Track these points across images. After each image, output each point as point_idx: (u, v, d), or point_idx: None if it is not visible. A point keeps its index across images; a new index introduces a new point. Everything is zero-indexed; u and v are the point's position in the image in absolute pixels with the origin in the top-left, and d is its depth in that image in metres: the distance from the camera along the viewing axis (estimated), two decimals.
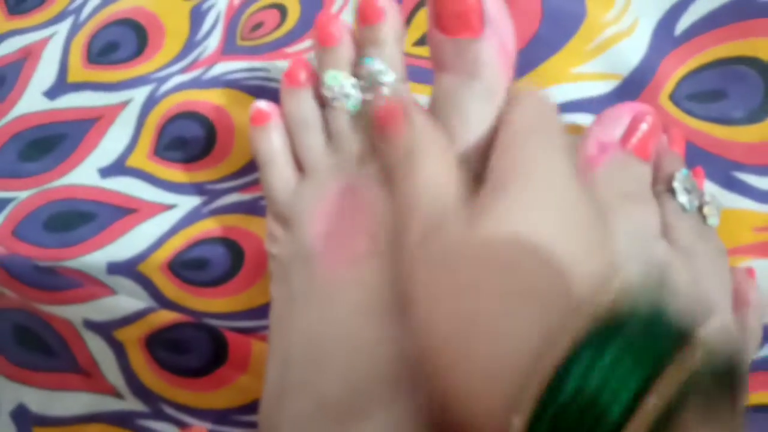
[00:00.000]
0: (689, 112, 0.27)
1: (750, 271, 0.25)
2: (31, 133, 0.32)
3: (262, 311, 0.28)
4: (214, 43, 0.33)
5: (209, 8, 0.33)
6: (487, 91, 0.21)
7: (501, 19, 0.21)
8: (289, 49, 0.31)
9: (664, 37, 0.29)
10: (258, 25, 0.32)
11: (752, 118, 0.26)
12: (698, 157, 0.27)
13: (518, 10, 0.29)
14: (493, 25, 0.21)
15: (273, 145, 0.25)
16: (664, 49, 0.28)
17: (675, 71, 0.28)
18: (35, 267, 0.28)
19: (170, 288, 0.29)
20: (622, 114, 0.25)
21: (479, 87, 0.21)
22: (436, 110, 0.22)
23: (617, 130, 0.24)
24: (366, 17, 0.23)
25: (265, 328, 0.28)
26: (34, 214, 0.31)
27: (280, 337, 0.24)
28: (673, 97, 0.27)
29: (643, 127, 0.24)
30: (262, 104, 0.26)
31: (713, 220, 0.25)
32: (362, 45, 0.24)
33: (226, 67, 0.31)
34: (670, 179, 0.24)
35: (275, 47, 0.31)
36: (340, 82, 0.24)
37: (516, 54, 0.22)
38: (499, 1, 0.21)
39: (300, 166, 0.25)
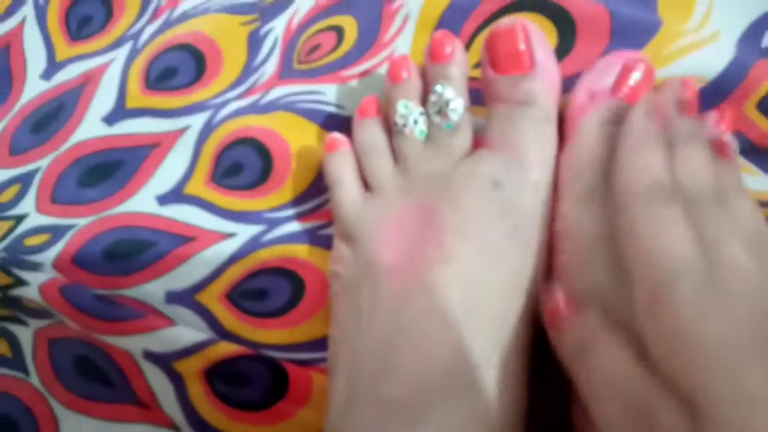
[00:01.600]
0: None
1: None
2: (90, 159, 0.32)
3: (322, 343, 0.27)
4: (271, 67, 0.32)
5: (267, 33, 0.33)
6: (543, 115, 0.24)
7: (546, 53, 0.25)
8: (345, 72, 0.30)
9: (751, 48, 0.27)
10: (315, 48, 0.31)
11: None
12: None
13: (586, 31, 0.28)
14: (540, 60, 0.24)
15: (343, 167, 0.27)
16: (752, 57, 0.26)
17: (766, 78, 0.26)
18: (95, 296, 0.28)
19: (229, 318, 0.28)
20: (615, 62, 0.25)
21: (536, 112, 0.24)
22: (494, 136, 0.25)
23: (608, 78, 0.25)
24: (436, 56, 0.26)
25: (326, 360, 0.27)
26: (93, 241, 0.31)
27: (345, 354, 0.24)
28: (761, 105, 0.25)
29: (635, 75, 0.24)
30: (335, 134, 0.28)
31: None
32: (432, 79, 0.26)
33: (282, 91, 0.31)
34: (683, 123, 0.23)
35: (331, 69, 0.31)
36: (411, 110, 0.26)
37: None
38: (542, 38, 0.25)
39: (368, 188, 0.27)
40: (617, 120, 0.24)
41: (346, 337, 0.24)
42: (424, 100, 0.26)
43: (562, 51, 0.28)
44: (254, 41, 0.33)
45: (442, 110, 0.25)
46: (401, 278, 0.23)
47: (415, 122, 0.26)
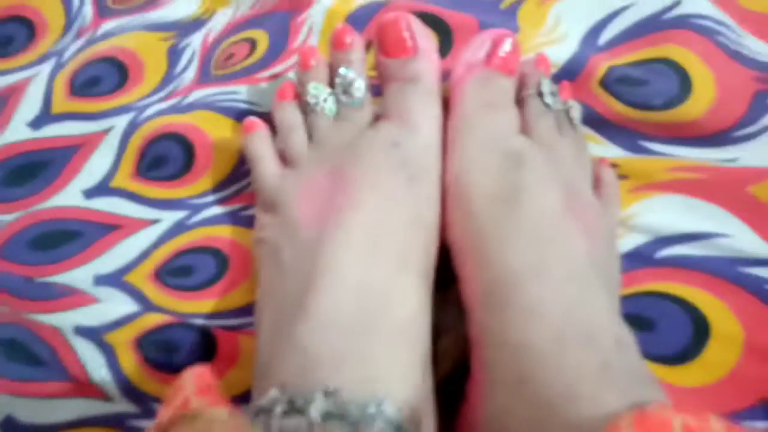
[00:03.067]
0: (618, 96, 0.31)
1: (603, 160, 0.31)
2: (16, 160, 0.34)
3: (248, 309, 0.30)
4: (190, 75, 0.36)
5: (185, 47, 0.37)
6: (427, 87, 0.29)
7: (428, 42, 0.30)
8: (259, 75, 0.34)
9: (590, 45, 0.33)
10: (230, 56, 0.35)
11: (668, 105, 0.31)
12: (613, 130, 0.32)
13: (460, 34, 0.34)
14: (422, 45, 0.29)
15: (262, 145, 0.30)
16: (591, 51, 0.33)
17: (603, 63, 0.32)
18: (24, 279, 0.29)
19: (157, 294, 0.30)
20: (486, 38, 0.30)
21: (422, 86, 0.29)
22: (390, 109, 0.29)
23: (481, 52, 0.29)
24: (338, 44, 0.31)
25: (252, 324, 0.30)
26: (19, 234, 0.32)
27: (269, 309, 0.26)
28: (604, 82, 0.32)
29: (505, 47, 0.29)
30: (252, 117, 0.32)
31: (575, 113, 0.30)
32: (335, 65, 0.30)
33: (201, 93, 0.34)
34: (537, 85, 0.29)
35: (246, 73, 0.35)
36: (321, 90, 0.30)
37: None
38: (425, 30, 0.30)
39: (286, 163, 0.30)
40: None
41: (270, 294, 0.27)
42: (331, 84, 0.30)
43: (442, 51, 0.34)
44: (173, 54, 0.36)
45: (346, 90, 0.29)
46: (317, 225, 0.26)
47: (325, 100, 0.29)
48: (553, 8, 0.35)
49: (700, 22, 0.33)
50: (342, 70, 0.30)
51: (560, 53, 0.33)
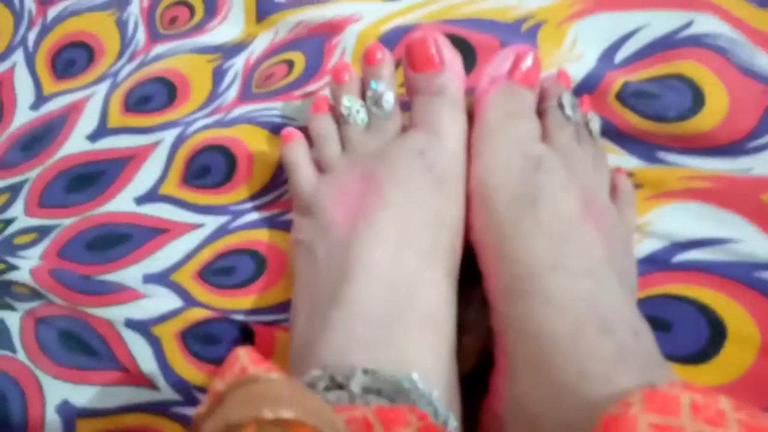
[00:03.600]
0: (633, 109, 0.33)
1: (619, 170, 0.33)
2: (75, 170, 0.37)
3: (283, 306, 0.32)
4: (233, 93, 0.38)
5: (229, 68, 0.40)
6: (453, 100, 0.31)
7: (454, 58, 0.32)
8: (297, 92, 0.37)
9: (607, 63, 0.35)
10: (270, 76, 0.38)
11: (681, 117, 0.32)
12: (629, 142, 0.33)
13: (483, 54, 0.36)
14: (448, 59, 0.31)
15: (299, 153, 0.33)
16: (607, 68, 0.35)
17: (619, 78, 0.34)
18: (80, 276, 0.32)
19: (201, 292, 0.33)
20: (510, 53, 0.32)
21: (447, 98, 0.31)
22: (418, 119, 0.31)
23: (505, 66, 0.31)
24: (370, 60, 0.33)
25: (287, 320, 0.32)
26: (77, 237, 0.35)
27: (304, 301, 0.28)
28: (620, 95, 0.33)
29: (527, 61, 0.31)
30: (290, 128, 0.34)
31: (595, 125, 0.32)
32: (367, 79, 0.33)
33: (243, 109, 0.37)
34: (558, 97, 0.31)
35: (285, 91, 0.37)
36: (354, 102, 0.32)
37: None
38: (450, 47, 0.32)
39: (321, 170, 0.32)
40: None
41: (306, 287, 0.29)
42: (362, 97, 0.32)
43: (466, 70, 0.36)
44: (218, 74, 0.39)
45: (377, 101, 0.32)
46: (350, 224, 0.28)
47: (357, 112, 0.32)
48: (571, 30, 0.37)
49: (713, 41, 0.34)
50: (373, 84, 0.32)
51: (578, 70, 0.35)
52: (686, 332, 0.30)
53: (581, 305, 0.25)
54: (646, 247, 0.32)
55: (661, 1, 0.36)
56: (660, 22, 0.36)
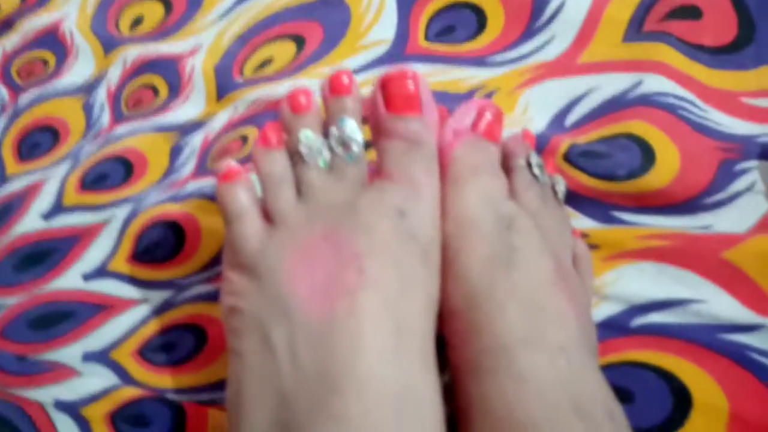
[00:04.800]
0: (583, 169, 0.32)
1: (574, 231, 0.31)
2: (27, 248, 0.37)
3: (220, 385, 0.30)
4: (188, 169, 0.39)
5: (186, 144, 0.40)
6: (430, 152, 0.28)
7: (429, 99, 0.28)
8: (250, 165, 0.37)
9: (557, 127, 0.35)
10: (224, 152, 0.39)
11: (632, 176, 0.32)
12: (583, 202, 0.32)
13: None
14: (426, 104, 0.28)
15: (243, 198, 0.27)
16: (557, 132, 0.34)
17: (566, 139, 0.33)
18: (18, 358, 0.31)
19: (138, 370, 0.32)
20: (471, 107, 0.29)
21: (425, 150, 0.27)
22: (392, 170, 0.27)
23: (467, 119, 0.29)
24: (335, 89, 0.28)
25: (222, 399, 0.30)
26: (21, 316, 0.34)
27: (262, 393, 0.24)
28: (568, 156, 0.33)
29: (488, 115, 0.29)
30: (232, 163, 0.29)
31: (561, 187, 0.31)
32: (331, 111, 0.28)
33: (197, 184, 0.37)
34: (526, 156, 0.29)
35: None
36: (314, 140, 0.28)
37: None
38: (428, 89, 0.28)
39: (269, 220, 0.27)
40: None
41: (265, 380, 0.24)
42: (323, 133, 0.28)
43: None
44: (176, 151, 0.40)
45: (345, 142, 0.27)
46: (321, 307, 0.23)
47: (319, 152, 0.27)
48: (523, 96, 0.37)
49: (663, 99, 0.34)
50: (341, 120, 0.27)
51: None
52: (650, 402, 0.28)
53: (557, 385, 0.23)
54: (603, 310, 0.30)
55: (611, 65, 0.36)
56: (609, 85, 0.35)
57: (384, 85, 0.27)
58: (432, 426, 0.23)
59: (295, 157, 0.28)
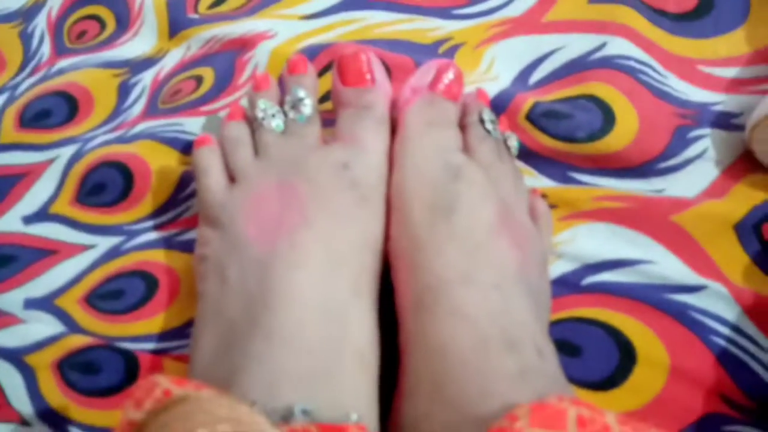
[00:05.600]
0: (543, 129, 0.33)
1: (534, 191, 0.32)
2: None
3: (175, 333, 0.30)
4: (138, 109, 0.37)
5: (136, 83, 0.38)
6: (380, 116, 0.31)
7: (384, 78, 0.32)
8: (203, 108, 0.36)
9: (521, 84, 0.35)
10: (177, 92, 0.37)
11: (592, 137, 0.32)
12: (541, 162, 0.33)
13: (397, 73, 0.35)
14: (378, 78, 0.31)
15: (210, 158, 0.31)
16: (521, 89, 0.34)
17: (530, 98, 0.33)
18: None
19: (85, 318, 0.30)
20: (432, 67, 0.32)
21: (374, 113, 0.30)
22: (342, 132, 0.30)
23: (427, 78, 0.31)
24: (293, 69, 0.32)
25: (178, 348, 0.30)
26: None
27: (211, 323, 0.26)
28: (530, 116, 0.33)
29: (449, 74, 0.31)
30: (205, 134, 0.32)
31: (513, 142, 0.32)
32: (287, 87, 0.32)
33: (147, 125, 0.36)
34: (478, 113, 0.31)
35: (191, 107, 0.36)
36: (270, 106, 0.31)
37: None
38: (380, 64, 0.32)
39: (232, 179, 0.30)
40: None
41: (216, 311, 0.26)
42: (281, 105, 0.31)
43: None
44: (124, 89, 0.38)
45: (296, 106, 0.31)
46: (267, 242, 0.26)
47: (273, 116, 0.31)
48: (488, 52, 0.36)
49: (624, 62, 0.34)
50: (293, 89, 0.31)
51: (491, 90, 0.34)
52: (596, 357, 0.29)
53: (488, 320, 0.24)
54: (557, 268, 0.31)
55: (577, 25, 0.36)
56: (574, 45, 0.35)
57: (340, 62, 0.31)
58: (359, 346, 0.24)
59: (255, 123, 0.31)
